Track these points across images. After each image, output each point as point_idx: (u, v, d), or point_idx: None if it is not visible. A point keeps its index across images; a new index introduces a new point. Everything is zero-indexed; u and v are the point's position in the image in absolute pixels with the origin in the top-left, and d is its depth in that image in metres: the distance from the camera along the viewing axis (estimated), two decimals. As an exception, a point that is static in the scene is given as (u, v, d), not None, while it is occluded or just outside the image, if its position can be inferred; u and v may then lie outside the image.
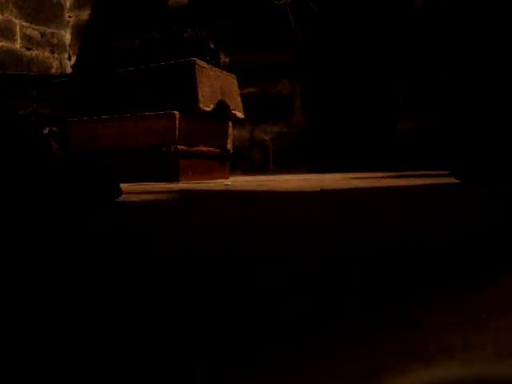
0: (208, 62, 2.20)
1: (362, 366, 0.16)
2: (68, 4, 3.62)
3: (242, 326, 0.21)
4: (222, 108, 2.29)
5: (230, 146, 2.46)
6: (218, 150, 2.34)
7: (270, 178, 2.36)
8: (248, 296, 0.25)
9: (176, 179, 2.01)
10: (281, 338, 0.19)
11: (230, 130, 2.47)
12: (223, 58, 3.13)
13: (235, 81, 2.45)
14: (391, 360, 0.16)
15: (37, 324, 0.22)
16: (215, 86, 2.20)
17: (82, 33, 3.58)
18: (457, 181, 1.27)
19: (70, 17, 3.63)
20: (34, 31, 3.31)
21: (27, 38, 3.26)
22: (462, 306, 0.22)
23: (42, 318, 0.23)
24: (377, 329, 0.20)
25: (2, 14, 3.09)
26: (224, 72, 2.39)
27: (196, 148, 2.15)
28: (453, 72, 2.63)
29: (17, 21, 3.18)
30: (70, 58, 3.59)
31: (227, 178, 2.35)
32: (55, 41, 3.51)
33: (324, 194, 1.06)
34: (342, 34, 2.90)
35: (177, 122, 2.02)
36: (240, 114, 2.44)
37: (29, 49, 3.27)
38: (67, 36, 3.63)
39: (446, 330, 0.19)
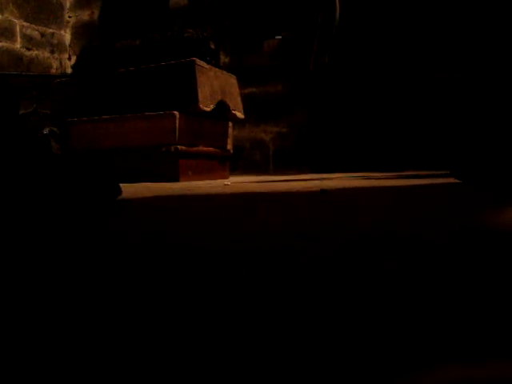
0: (208, 62, 2.20)
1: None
2: (68, 4, 3.62)
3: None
4: (222, 108, 2.29)
5: (230, 146, 2.46)
6: (218, 150, 2.33)
7: (270, 178, 2.36)
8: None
9: (176, 179, 2.01)
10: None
11: (230, 130, 2.47)
12: (223, 58, 3.12)
13: (235, 81, 2.45)
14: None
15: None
16: (215, 85, 2.20)
17: (82, 33, 3.58)
18: (457, 181, 1.27)
19: (70, 17, 3.63)
20: (33, 31, 3.31)
21: (27, 38, 3.26)
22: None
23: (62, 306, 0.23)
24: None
25: (2, 14, 3.09)
26: (224, 72, 2.39)
27: (196, 148, 2.15)
28: (451, 73, 2.63)
29: (17, 21, 3.18)
30: (69, 58, 3.58)
31: (227, 178, 2.35)
32: (55, 41, 3.51)
33: (324, 194, 1.06)
34: (342, 33, 2.90)
35: (177, 122, 2.02)
36: (240, 114, 2.44)
37: (29, 49, 3.27)
38: (67, 36, 3.63)
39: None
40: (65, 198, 0.81)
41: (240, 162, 3.14)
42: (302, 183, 1.62)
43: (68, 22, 3.63)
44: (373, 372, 0.16)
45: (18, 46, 3.19)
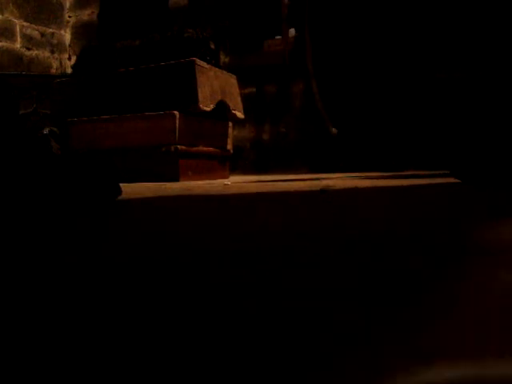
0: (208, 62, 2.20)
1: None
2: (68, 4, 3.62)
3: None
4: (222, 108, 2.29)
5: (230, 146, 2.46)
6: (218, 150, 2.33)
7: (270, 177, 2.35)
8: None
9: (176, 179, 2.01)
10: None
11: (230, 130, 2.47)
12: (223, 58, 3.12)
13: (235, 81, 2.45)
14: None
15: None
16: (215, 85, 2.20)
17: (82, 33, 3.58)
18: (457, 181, 1.27)
19: (70, 17, 3.63)
20: (33, 31, 3.31)
21: (27, 38, 3.26)
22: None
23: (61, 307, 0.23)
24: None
25: (2, 14, 3.09)
26: (224, 72, 2.39)
27: (196, 148, 2.15)
28: (451, 73, 2.63)
29: (17, 21, 3.18)
30: (69, 58, 3.58)
31: (227, 178, 2.35)
32: (55, 41, 3.51)
33: (324, 194, 1.06)
34: (342, 33, 2.90)
35: (177, 122, 2.02)
36: (240, 114, 2.44)
37: (29, 49, 3.27)
38: (67, 36, 3.63)
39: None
40: (65, 197, 0.81)
41: (240, 162, 3.14)
42: (302, 183, 1.62)
43: (68, 22, 3.63)
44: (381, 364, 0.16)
45: (18, 45, 3.19)
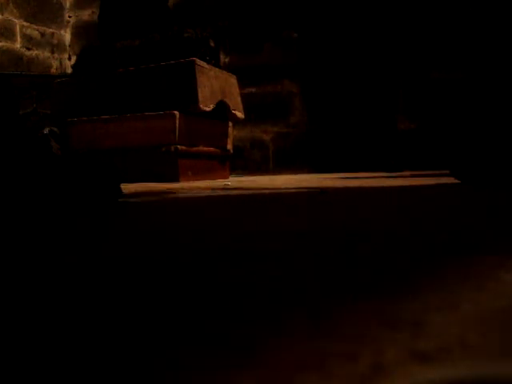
0: (208, 62, 2.20)
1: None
2: (68, 4, 3.62)
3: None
4: (222, 108, 2.29)
5: (230, 146, 2.46)
6: (218, 150, 2.33)
7: (271, 177, 2.35)
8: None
9: (176, 179, 2.01)
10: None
11: (230, 130, 2.47)
12: (223, 58, 3.12)
13: (235, 81, 2.45)
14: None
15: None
16: (215, 86, 2.20)
17: (82, 33, 3.58)
18: (457, 181, 1.27)
19: (70, 17, 3.63)
20: (33, 31, 3.31)
21: (27, 38, 3.26)
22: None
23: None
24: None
25: (2, 14, 3.09)
26: (224, 72, 2.39)
27: (196, 148, 2.15)
28: (449, 73, 2.63)
29: (17, 21, 3.18)
30: (70, 58, 3.58)
31: (227, 178, 2.35)
32: (55, 41, 3.51)
33: (323, 194, 1.06)
34: (343, 34, 2.90)
35: (177, 121, 2.02)
36: (240, 114, 2.44)
37: (29, 49, 3.27)
38: (67, 36, 3.62)
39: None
40: (65, 198, 0.81)
41: (240, 162, 3.14)
42: (302, 183, 1.62)
43: (68, 22, 3.63)
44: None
45: (18, 45, 3.19)
